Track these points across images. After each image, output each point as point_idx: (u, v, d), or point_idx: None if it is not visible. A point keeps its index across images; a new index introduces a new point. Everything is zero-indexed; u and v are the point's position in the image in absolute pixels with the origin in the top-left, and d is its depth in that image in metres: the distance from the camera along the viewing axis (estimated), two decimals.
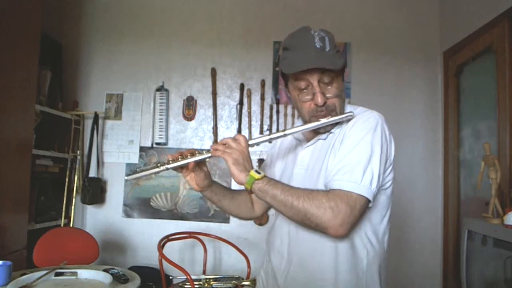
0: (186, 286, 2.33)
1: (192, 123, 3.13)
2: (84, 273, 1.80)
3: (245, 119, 3.08)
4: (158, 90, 3.13)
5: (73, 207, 3.02)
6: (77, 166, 3.07)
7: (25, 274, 1.70)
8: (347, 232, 0.98)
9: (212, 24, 3.16)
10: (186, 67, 3.15)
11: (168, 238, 2.55)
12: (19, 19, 2.23)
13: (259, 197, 1.04)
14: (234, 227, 3.02)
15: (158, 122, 3.11)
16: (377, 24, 3.08)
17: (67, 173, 3.00)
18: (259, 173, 1.02)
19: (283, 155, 1.31)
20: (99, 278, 1.76)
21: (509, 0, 2.10)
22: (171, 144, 3.11)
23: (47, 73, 2.79)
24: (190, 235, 2.74)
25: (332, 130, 1.13)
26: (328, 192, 0.99)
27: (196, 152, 1.09)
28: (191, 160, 1.09)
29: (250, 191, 1.03)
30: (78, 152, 3.09)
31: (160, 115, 3.11)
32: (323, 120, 1.08)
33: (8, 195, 2.16)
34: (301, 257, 1.10)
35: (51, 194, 2.89)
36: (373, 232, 1.10)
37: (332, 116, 1.09)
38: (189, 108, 3.13)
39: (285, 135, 1.10)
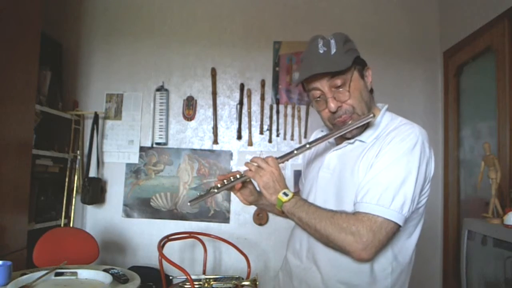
0: (186, 286, 2.33)
1: (192, 123, 3.13)
2: (84, 273, 1.80)
3: (245, 119, 3.08)
4: (158, 90, 3.13)
5: (73, 207, 3.02)
6: (77, 166, 3.07)
7: (25, 274, 1.70)
8: (371, 256, 0.97)
9: (212, 24, 3.16)
10: (186, 67, 3.15)
11: (168, 238, 2.55)
12: (19, 19, 2.23)
13: (289, 218, 1.09)
14: (234, 227, 3.02)
15: (158, 122, 3.11)
16: (377, 24, 3.08)
17: (67, 173, 3.00)
18: (287, 194, 1.05)
19: (310, 155, 1.32)
20: (99, 278, 1.76)
21: (509, 0, 2.10)
22: (171, 144, 3.12)
23: (47, 73, 2.79)
24: (190, 235, 2.74)
25: (363, 139, 1.09)
26: (352, 216, 0.98)
27: (238, 174, 1.15)
28: (233, 183, 1.14)
29: (281, 211, 1.08)
30: (78, 152, 3.09)
31: (160, 115, 3.12)
32: (343, 128, 1.06)
33: (8, 195, 2.16)
34: (319, 265, 1.09)
35: (51, 194, 2.89)
36: (399, 249, 1.07)
37: (353, 120, 1.06)
38: (189, 108, 3.13)
39: (309, 148, 1.11)
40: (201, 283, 2.35)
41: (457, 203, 2.78)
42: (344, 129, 1.06)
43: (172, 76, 3.16)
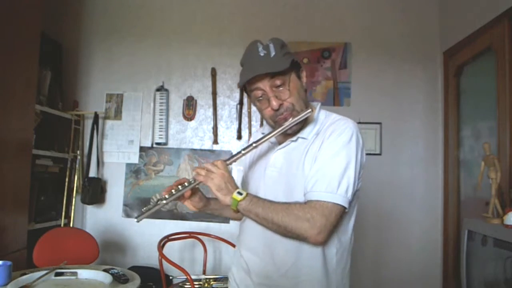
0: (186, 286, 2.34)
1: (192, 123, 3.13)
2: (84, 273, 1.80)
3: (245, 119, 3.08)
4: (158, 90, 3.13)
5: (73, 207, 3.02)
6: (77, 166, 3.07)
7: (25, 274, 1.70)
8: (325, 239, 1.08)
9: (212, 24, 3.16)
10: (186, 67, 3.15)
11: (168, 238, 2.55)
12: (19, 19, 2.23)
13: (244, 215, 1.14)
14: (234, 227, 3.02)
15: (158, 122, 3.11)
16: (377, 24, 3.08)
17: (67, 173, 3.00)
18: (241, 193, 1.09)
19: (253, 157, 1.35)
20: (99, 278, 1.76)
21: (509, 0, 2.10)
22: (171, 144, 3.11)
23: (47, 73, 2.80)
24: (190, 235, 2.74)
25: (304, 136, 1.19)
26: (305, 204, 1.08)
27: (186, 182, 1.16)
28: (183, 191, 1.15)
29: (236, 211, 1.11)
30: (78, 152, 3.09)
31: (160, 115, 3.11)
32: (286, 124, 1.14)
33: (8, 195, 2.16)
34: (278, 257, 1.15)
35: (51, 194, 2.89)
36: (342, 231, 1.17)
37: (293, 117, 1.14)
38: (189, 108, 3.13)
39: (256, 147, 1.16)
40: (201, 283, 2.35)
41: (457, 203, 2.78)
42: (287, 125, 1.14)
43: (172, 76, 3.16)
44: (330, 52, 3.09)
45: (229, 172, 1.13)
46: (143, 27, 3.18)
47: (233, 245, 2.66)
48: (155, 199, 1.16)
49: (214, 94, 3.10)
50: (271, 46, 1.17)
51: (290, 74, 1.16)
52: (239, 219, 1.35)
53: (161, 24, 3.18)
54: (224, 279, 2.41)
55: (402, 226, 2.95)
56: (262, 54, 1.15)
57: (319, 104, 1.27)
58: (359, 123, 2.98)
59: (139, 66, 3.16)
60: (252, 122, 3.07)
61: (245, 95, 3.06)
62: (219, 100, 3.12)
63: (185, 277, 2.13)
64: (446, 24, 2.96)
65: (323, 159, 1.11)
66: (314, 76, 3.08)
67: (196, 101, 3.14)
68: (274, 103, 1.14)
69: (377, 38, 3.07)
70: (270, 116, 1.18)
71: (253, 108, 3.08)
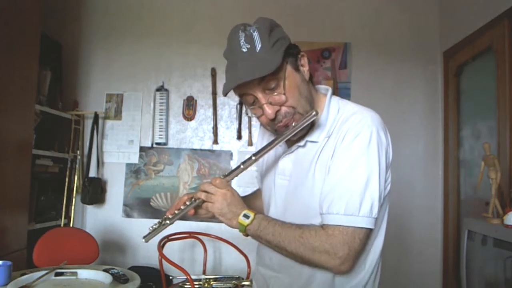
0: (186, 286, 2.34)
1: (192, 123, 3.13)
2: (84, 273, 1.80)
3: (245, 119, 3.08)
4: (158, 90, 3.13)
5: (73, 207, 3.02)
6: (77, 166, 3.07)
7: (25, 274, 1.70)
8: (351, 266, 0.93)
9: (212, 24, 3.16)
10: (186, 67, 3.15)
11: (168, 238, 2.55)
12: (19, 19, 2.23)
13: (256, 240, 1.01)
14: None
15: (158, 122, 3.11)
16: (377, 24, 3.08)
17: (67, 173, 3.00)
18: (247, 216, 0.96)
19: (267, 159, 1.18)
20: (99, 278, 1.77)
21: (509, 0, 2.10)
22: (171, 144, 3.12)
23: (47, 73, 2.80)
24: (190, 235, 2.74)
25: (314, 139, 1.01)
26: (322, 231, 0.92)
27: (187, 201, 1.04)
28: (185, 210, 1.04)
29: (246, 235, 0.99)
30: (78, 152, 3.09)
31: (160, 115, 3.12)
32: (287, 132, 0.96)
33: (8, 195, 2.16)
34: (294, 274, 1.02)
35: (51, 194, 2.89)
36: (370, 245, 1.01)
37: (296, 121, 0.96)
38: (189, 108, 3.13)
39: (255, 160, 1.00)
40: (201, 283, 2.35)
41: (457, 203, 2.78)
42: (288, 133, 0.96)
43: (172, 76, 3.16)
44: (330, 52, 3.09)
45: (232, 190, 0.98)
46: (143, 27, 3.18)
47: (233, 245, 2.66)
48: (160, 220, 1.09)
49: (214, 94, 3.10)
50: (256, 35, 0.92)
51: (285, 69, 0.94)
52: None
53: (161, 24, 3.18)
54: (224, 279, 2.41)
55: (402, 226, 2.94)
56: (245, 50, 0.91)
57: (329, 90, 1.05)
58: None
59: (139, 66, 3.16)
60: (252, 122, 3.06)
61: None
62: (219, 100, 3.12)
63: (185, 277, 2.13)
64: (446, 24, 2.96)
65: (339, 171, 0.92)
66: (314, 76, 3.06)
67: (196, 101, 3.14)
68: (269, 112, 0.94)
69: (377, 38, 3.07)
70: (268, 124, 0.99)
71: None
